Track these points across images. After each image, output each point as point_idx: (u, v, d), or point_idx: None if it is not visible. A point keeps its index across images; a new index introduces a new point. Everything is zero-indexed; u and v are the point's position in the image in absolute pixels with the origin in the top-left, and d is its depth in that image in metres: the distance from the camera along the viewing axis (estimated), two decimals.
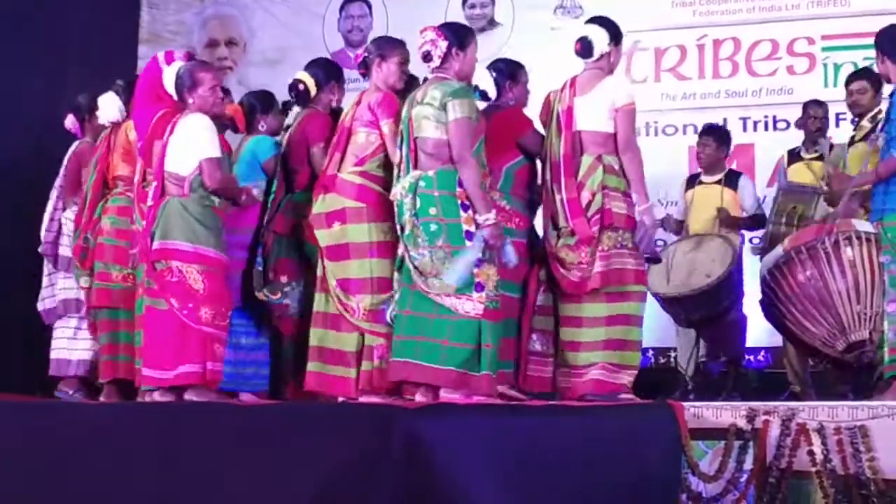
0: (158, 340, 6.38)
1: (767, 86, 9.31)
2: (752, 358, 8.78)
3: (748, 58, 9.32)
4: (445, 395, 5.95)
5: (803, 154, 8.22)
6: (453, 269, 5.93)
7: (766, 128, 9.20)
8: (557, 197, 6.40)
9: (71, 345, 7.57)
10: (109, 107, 7.42)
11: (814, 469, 5.50)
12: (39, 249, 7.74)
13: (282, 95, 7.23)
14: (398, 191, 6.15)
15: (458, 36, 6.25)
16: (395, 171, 6.24)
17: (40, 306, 7.78)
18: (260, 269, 6.83)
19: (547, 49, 8.91)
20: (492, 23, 9.77)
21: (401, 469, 4.35)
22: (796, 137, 8.47)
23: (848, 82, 7.85)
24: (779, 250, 7.09)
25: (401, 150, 6.22)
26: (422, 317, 6.04)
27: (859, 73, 7.91)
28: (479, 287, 5.98)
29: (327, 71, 7.06)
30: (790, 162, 8.24)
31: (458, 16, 9.70)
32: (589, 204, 6.31)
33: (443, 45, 6.17)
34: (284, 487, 4.59)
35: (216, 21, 10.35)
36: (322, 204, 6.46)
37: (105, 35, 9.78)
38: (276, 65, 9.88)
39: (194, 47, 10.22)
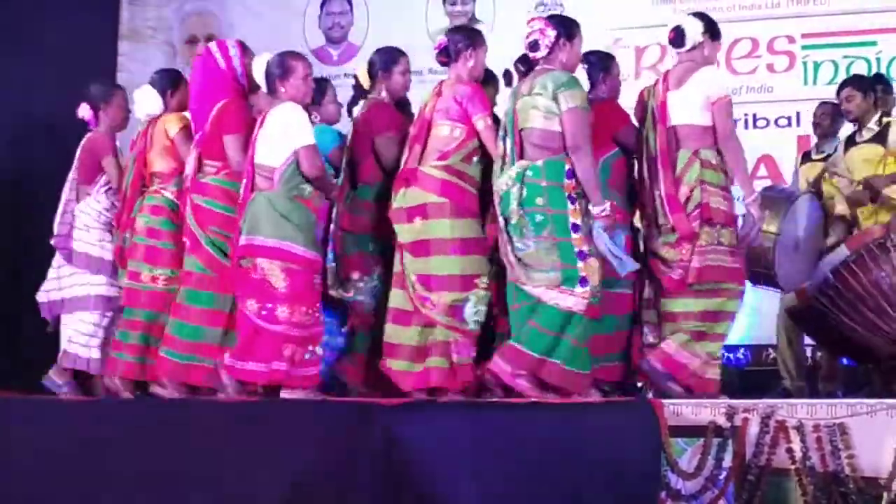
0: (244, 339, 6.30)
1: (747, 84, 9.32)
2: (731, 356, 8.79)
3: (728, 56, 9.32)
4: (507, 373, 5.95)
5: (813, 155, 8.18)
6: (622, 263, 5.99)
7: (746, 126, 9.20)
8: (656, 193, 6.35)
9: (90, 342, 7.36)
10: (148, 100, 7.29)
11: (793, 466, 5.51)
12: (52, 242, 7.56)
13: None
14: (504, 181, 6.09)
15: (566, 27, 6.21)
16: (498, 164, 6.18)
17: (43, 297, 7.58)
18: (333, 265, 6.73)
19: None
20: (472, 19, 9.76)
21: (379, 465, 4.35)
22: (776, 136, 8.48)
23: (837, 91, 7.84)
24: (843, 250, 6.99)
25: (504, 142, 6.16)
26: (526, 306, 6.03)
27: (846, 81, 7.91)
28: (584, 282, 5.97)
29: (382, 60, 6.91)
30: (802, 162, 8.19)
31: (439, 13, 9.70)
32: (688, 200, 6.27)
33: (551, 34, 6.13)
34: (263, 483, 4.59)
35: (196, 17, 10.32)
36: (403, 198, 6.38)
37: (84, 31, 9.73)
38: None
39: (174, 44, 10.22)
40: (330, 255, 6.74)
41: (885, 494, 5.37)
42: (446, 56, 6.50)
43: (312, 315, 6.30)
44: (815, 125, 8.24)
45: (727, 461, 5.57)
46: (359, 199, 6.76)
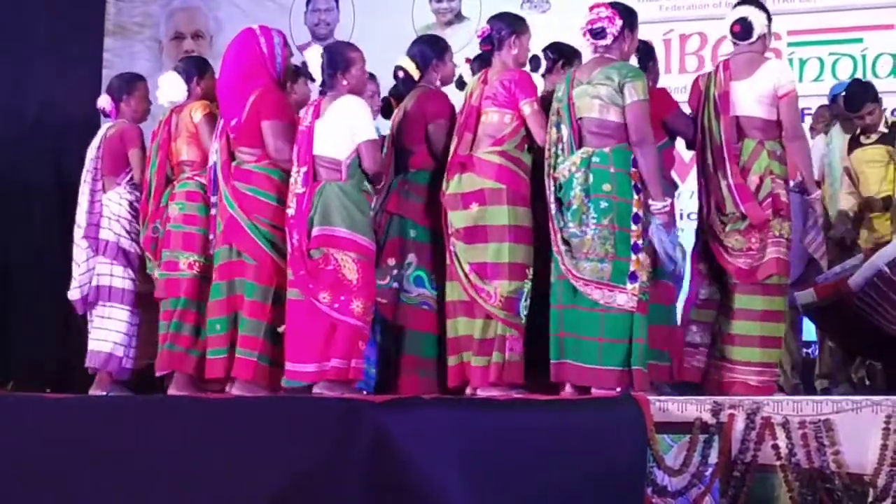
0: (302, 334, 6.23)
1: None
2: None
3: (714, 53, 9.34)
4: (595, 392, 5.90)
5: (863, 140, 7.98)
6: (668, 252, 5.99)
7: None
8: (723, 183, 6.29)
9: (115, 338, 7.30)
10: (173, 87, 7.21)
11: (778, 463, 5.52)
12: (80, 234, 7.47)
13: None
14: (566, 167, 6.06)
15: (630, 16, 6.20)
16: (551, 151, 6.14)
17: (76, 294, 7.47)
18: None
19: None
20: (459, 17, 9.76)
21: (367, 462, 4.34)
22: None
23: (854, 107, 7.78)
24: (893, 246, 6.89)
25: (559, 129, 6.13)
26: (573, 310, 5.99)
27: (864, 97, 7.81)
28: (633, 277, 5.95)
29: (430, 49, 6.88)
30: (850, 150, 7.99)
31: (425, 10, 9.71)
32: (758, 188, 6.23)
33: (619, 23, 6.11)
34: (250, 481, 4.58)
35: (182, 13, 10.32)
36: (458, 184, 6.34)
37: (70, 26, 9.73)
38: None
39: (160, 40, 10.20)
40: None
41: (870, 491, 5.38)
42: (490, 43, 6.46)
43: (372, 309, 6.27)
44: (812, 129, 8.24)
45: (713, 457, 5.57)
46: (411, 182, 6.69)
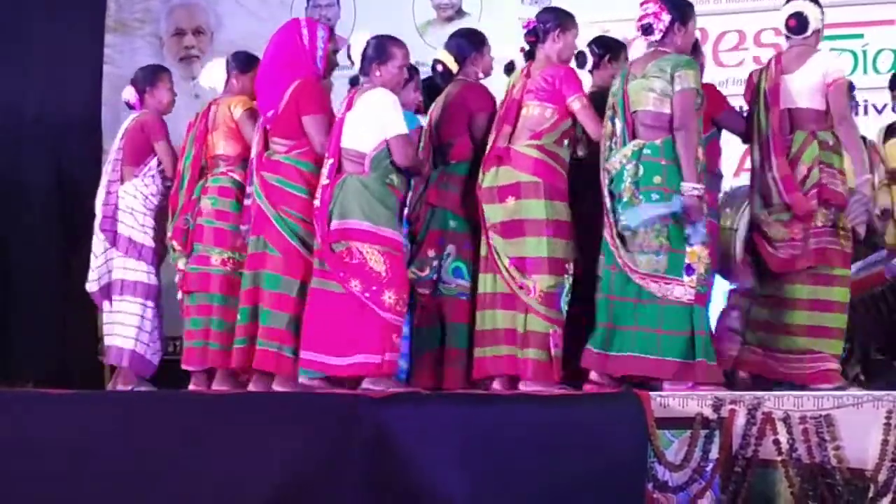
0: (329, 325, 6.18)
1: (734, 76, 9.30)
2: None
3: (715, 48, 9.31)
4: (669, 387, 5.89)
5: None
6: (638, 212, 5.89)
7: None
8: (769, 175, 6.31)
9: (127, 332, 7.31)
10: (216, 74, 7.24)
11: (779, 458, 5.51)
12: (95, 225, 7.46)
13: None
14: (617, 159, 6.07)
15: (680, 10, 6.19)
16: (606, 144, 6.14)
17: (94, 287, 7.45)
18: (408, 247, 6.63)
19: (515, 39, 8.88)
20: (459, 12, 9.72)
21: (366, 458, 4.35)
22: None
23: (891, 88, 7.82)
24: None
25: (613, 123, 6.14)
26: (626, 302, 5.99)
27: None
28: (690, 270, 5.95)
29: (468, 42, 6.89)
30: (886, 138, 7.93)
31: (426, 6, 9.68)
32: (804, 179, 6.23)
33: (666, 18, 6.12)
34: (250, 477, 4.59)
35: (183, 9, 10.28)
36: (494, 177, 6.34)
37: (70, 23, 9.71)
38: None
39: (161, 36, 10.19)
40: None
41: (871, 486, 5.38)
42: (534, 36, 6.48)
43: (407, 302, 6.24)
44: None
45: (714, 453, 5.57)
46: (451, 174, 6.69)
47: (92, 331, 8.60)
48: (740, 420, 5.60)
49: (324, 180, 6.31)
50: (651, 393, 5.77)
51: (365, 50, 6.43)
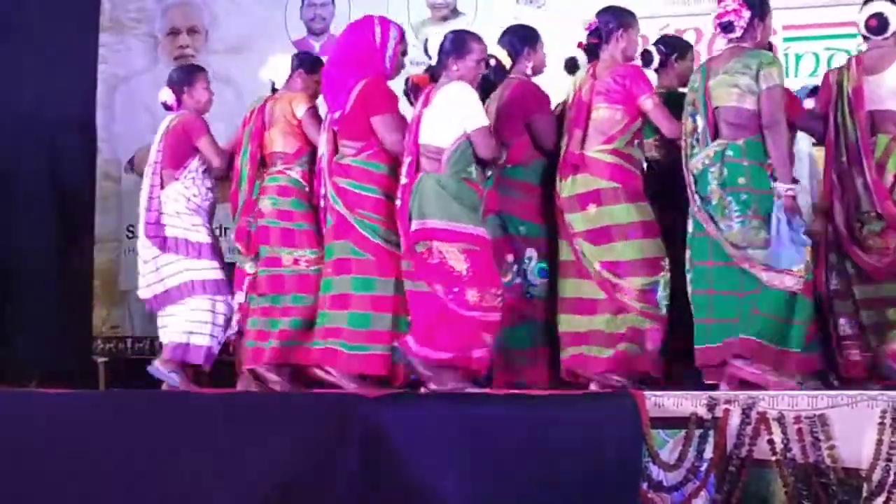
0: (425, 323, 6.17)
1: None
2: None
3: (710, 48, 9.31)
4: (744, 367, 5.88)
5: None
6: (781, 255, 5.87)
7: None
8: (859, 180, 6.24)
9: (202, 329, 7.21)
10: (280, 69, 7.19)
11: (774, 458, 5.52)
12: (140, 231, 7.39)
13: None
14: (700, 160, 6.06)
15: (760, 6, 6.17)
16: (687, 141, 6.13)
17: (147, 294, 7.36)
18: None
19: None
20: (454, 12, 9.71)
21: (362, 458, 4.35)
22: None
23: None
24: None
25: (694, 120, 6.13)
26: (729, 296, 5.98)
27: None
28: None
29: (521, 38, 6.83)
30: None
31: (421, 4, 9.67)
32: (892, 186, 6.19)
33: (747, 15, 6.10)
34: (243, 476, 4.59)
35: (177, 9, 10.27)
36: (573, 186, 6.34)
37: (65, 22, 9.70)
38: (238, 53, 9.79)
39: (156, 35, 10.18)
40: None
41: (865, 485, 5.39)
42: (597, 37, 6.48)
43: (497, 296, 6.18)
44: None
45: (708, 452, 5.58)
46: (509, 178, 6.62)
47: (87, 330, 8.61)
48: (735, 420, 5.61)
49: (403, 179, 6.30)
50: (645, 392, 5.77)
51: (442, 44, 6.41)
